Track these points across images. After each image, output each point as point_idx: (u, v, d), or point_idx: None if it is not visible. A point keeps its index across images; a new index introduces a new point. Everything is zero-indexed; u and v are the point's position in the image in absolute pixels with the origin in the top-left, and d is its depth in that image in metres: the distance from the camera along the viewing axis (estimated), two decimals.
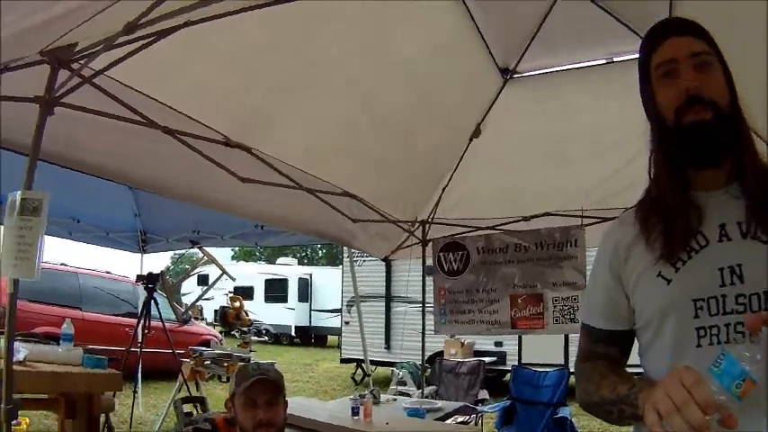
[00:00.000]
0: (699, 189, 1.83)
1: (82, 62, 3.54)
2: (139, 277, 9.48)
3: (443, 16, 4.66)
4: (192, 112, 4.49)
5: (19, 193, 3.44)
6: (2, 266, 3.49)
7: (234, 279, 12.39)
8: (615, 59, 5.25)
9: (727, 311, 1.71)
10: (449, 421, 6.95)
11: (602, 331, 2.02)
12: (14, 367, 3.62)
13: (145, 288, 9.21)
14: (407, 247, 8.16)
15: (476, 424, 8.33)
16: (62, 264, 14.22)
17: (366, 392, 6.80)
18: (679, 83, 1.79)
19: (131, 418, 9.50)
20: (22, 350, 4.71)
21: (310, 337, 32.36)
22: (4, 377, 3.42)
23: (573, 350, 14.08)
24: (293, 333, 31.47)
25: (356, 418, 5.77)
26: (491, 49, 5.32)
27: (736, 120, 1.82)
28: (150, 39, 3.44)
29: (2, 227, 3.74)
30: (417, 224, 7.70)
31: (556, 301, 6.95)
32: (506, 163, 6.57)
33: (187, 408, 6.54)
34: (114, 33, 3.22)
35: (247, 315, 9.15)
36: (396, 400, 7.59)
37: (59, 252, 26.03)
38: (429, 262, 7.98)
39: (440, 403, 7.52)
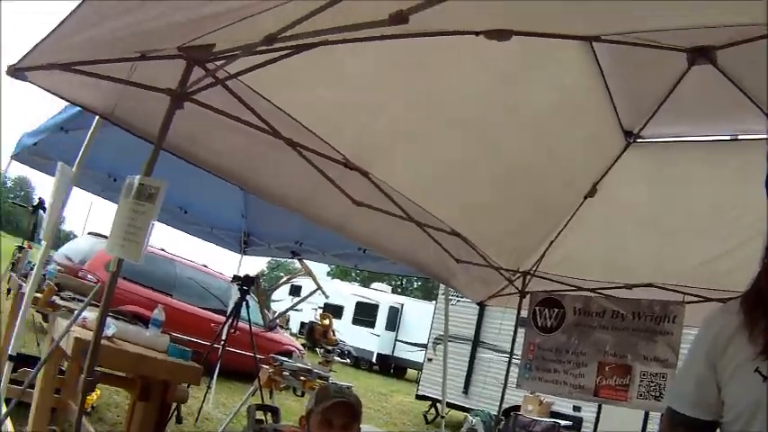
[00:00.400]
0: None
1: (217, 63, 3.63)
2: (236, 278, 9.60)
3: (574, 69, 4.62)
4: (317, 129, 4.57)
5: (138, 177, 3.54)
6: (109, 244, 3.58)
7: (328, 296, 12.49)
8: (740, 137, 5.17)
9: None
10: None
11: (686, 417, 1.96)
12: (102, 342, 3.70)
13: (239, 289, 9.32)
14: (504, 295, 8.09)
15: None
16: (162, 249, 14.49)
17: None
18: None
19: (199, 412, 9.63)
20: (112, 326, 4.80)
21: (390, 366, 32.31)
22: (90, 349, 3.50)
23: (651, 429, 13.84)
24: (374, 360, 31.44)
25: None
26: (618, 110, 5.27)
27: None
28: (287, 51, 3.51)
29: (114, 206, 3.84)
30: (519, 274, 7.61)
31: (644, 375, 6.78)
32: (617, 227, 6.49)
33: (258, 415, 6.60)
34: (255, 42, 3.30)
35: (334, 334, 9.16)
36: None
37: (161, 237, 26.61)
38: (523, 314, 7.88)
39: None
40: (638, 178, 5.97)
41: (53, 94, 4.17)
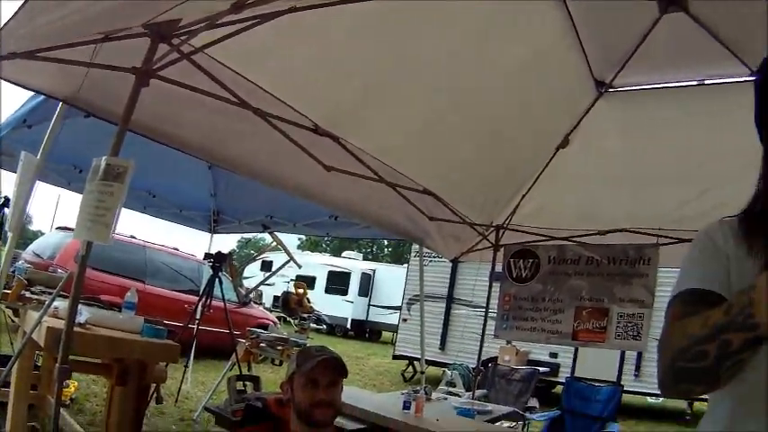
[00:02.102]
0: None
1: (183, 38, 3.60)
2: (207, 255, 9.59)
3: (545, 23, 4.63)
4: (286, 98, 4.55)
5: (105, 158, 3.52)
6: (77, 228, 3.56)
7: (300, 266, 12.48)
8: (707, 82, 5.19)
9: None
10: (497, 425, 6.93)
11: (698, 290, 1.77)
12: (74, 329, 3.68)
13: (211, 266, 9.30)
14: (478, 250, 8.16)
15: (522, 430, 8.32)
16: (131, 236, 14.41)
17: (420, 388, 6.80)
18: None
19: (178, 392, 9.62)
20: (84, 313, 4.77)
21: (365, 331, 32.51)
22: (63, 337, 3.49)
23: (626, 368, 14.07)
24: (349, 326, 31.63)
25: (407, 412, 5.76)
26: (589, 61, 5.29)
27: None
28: (254, 21, 3.49)
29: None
30: (492, 228, 7.68)
31: (621, 316, 6.88)
32: (589, 176, 6.54)
33: (240, 387, 6.62)
34: (222, 11, 3.28)
35: (309, 302, 9.18)
36: (447, 399, 7.59)
37: (130, 225, 26.50)
38: (498, 268, 7.97)
39: (490, 406, 7.51)
40: (610, 128, 6.02)
41: (16, 84, 4.15)
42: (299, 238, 55.98)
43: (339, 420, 3.67)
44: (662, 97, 5.55)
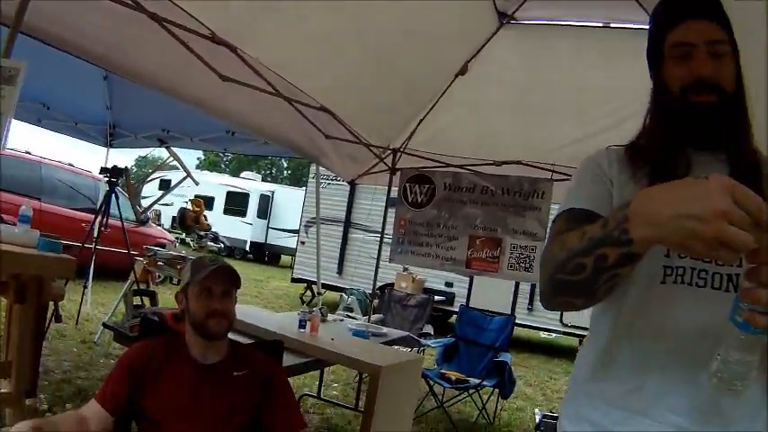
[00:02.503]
0: (688, 148, 1.87)
1: None
2: (103, 170, 9.38)
3: None
4: (182, 2, 4.44)
5: None
6: None
7: (197, 183, 12.34)
8: (612, 25, 5.29)
9: (695, 257, 1.72)
10: (392, 347, 7.02)
11: (581, 210, 1.86)
12: None
13: (107, 182, 9.13)
14: (375, 173, 8.20)
15: (421, 355, 8.44)
16: (27, 152, 14.06)
17: (315, 309, 6.84)
18: (692, 66, 1.83)
19: (78, 314, 9.52)
20: None
21: (264, 254, 32.47)
22: None
23: (520, 302, 14.36)
24: (248, 248, 31.54)
25: (302, 330, 5.80)
26: None
27: (739, 105, 1.87)
28: None
29: None
30: (389, 151, 7.75)
31: (513, 248, 7.01)
32: (487, 106, 6.60)
33: (136, 301, 6.56)
34: None
35: (206, 220, 9.13)
36: (342, 321, 7.65)
37: (24, 139, 25.83)
38: (394, 193, 8.00)
39: (385, 329, 7.60)
40: (509, 59, 6.06)
41: None
42: (198, 158, 55.69)
43: (234, 336, 3.65)
44: (565, 34, 5.64)
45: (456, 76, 6.33)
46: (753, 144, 1.88)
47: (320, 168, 9.01)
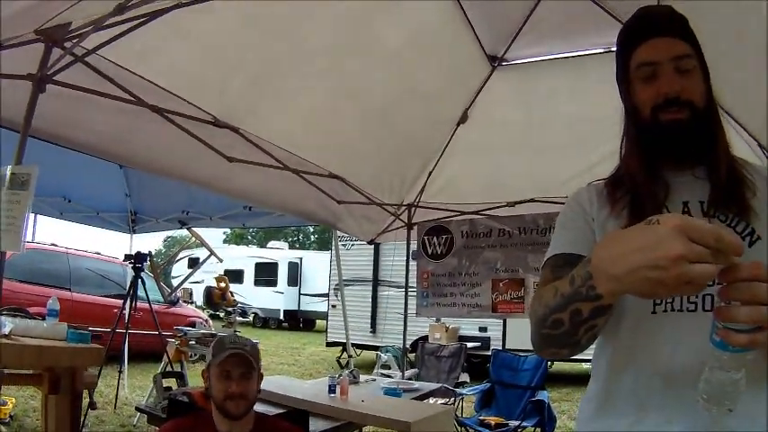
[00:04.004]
0: (666, 170, 1.88)
1: (74, 41, 3.62)
2: (127, 257, 9.53)
3: (430, 3, 4.73)
4: (181, 93, 4.59)
5: (8, 167, 3.53)
6: None
7: (221, 260, 12.47)
8: (600, 50, 5.31)
9: None
10: (426, 401, 7.03)
11: (569, 255, 1.85)
12: (0, 341, 3.69)
13: (132, 267, 9.28)
14: (393, 230, 8.27)
15: (456, 405, 8.43)
16: (52, 244, 14.23)
17: (344, 372, 6.88)
18: (659, 86, 1.83)
19: (116, 399, 9.59)
20: (7, 324, 4.75)
21: (299, 321, 32.34)
22: None
23: None
24: (282, 317, 31.44)
25: (333, 395, 5.83)
26: (479, 37, 5.40)
27: (712, 117, 1.87)
28: (141, 20, 3.53)
29: None
30: (403, 208, 7.82)
31: (537, 285, 7.01)
32: (492, 149, 6.66)
33: (168, 382, 6.63)
34: (105, 14, 3.32)
35: (233, 295, 9.21)
36: (375, 380, 7.65)
37: (50, 233, 26.10)
38: (414, 246, 8.08)
39: (417, 384, 7.58)
40: (506, 100, 6.14)
41: None
42: (224, 232, 55.65)
43: (262, 408, 3.72)
44: (555, 67, 5.68)
45: (458, 124, 6.43)
46: (730, 154, 1.88)
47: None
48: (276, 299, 30.90)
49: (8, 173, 3.55)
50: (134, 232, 11.13)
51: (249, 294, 29.01)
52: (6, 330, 4.67)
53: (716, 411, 1.40)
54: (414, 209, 7.78)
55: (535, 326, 1.72)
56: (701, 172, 1.86)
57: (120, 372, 9.87)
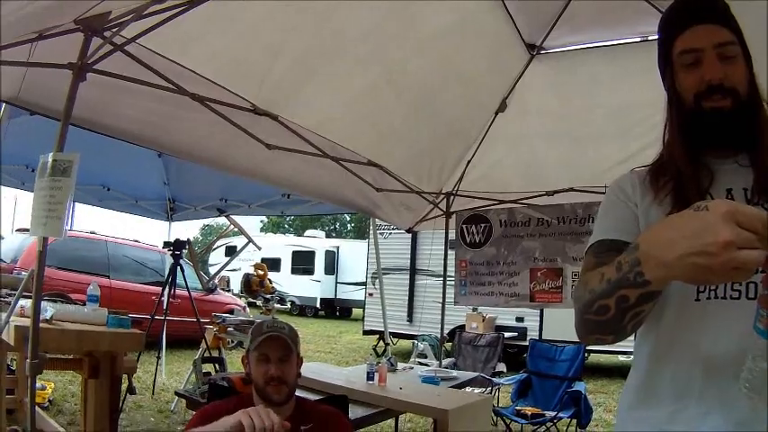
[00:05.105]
0: (709, 157, 1.87)
1: (114, 30, 3.64)
2: (166, 244, 9.59)
3: None
4: (221, 80, 4.60)
5: (50, 154, 3.57)
6: (32, 226, 3.61)
7: (260, 248, 12.50)
8: (638, 39, 5.25)
9: None
10: (464, 390, 7.03)
11: (613, 241, 1.86)
12: (41, 325, 3.72)
13: (171, 255, 9.35)
14: (431, 218, 8.28)
15: (493, 395, 8.42)
16: (92, 232, 14.38)
17: (383, 360, 6.90)
18: (702, 73, 1.82)
19: (154, 384, 9.73)
20: (49, 309, 4.80)
21: (335, 309, 32.61)
22: (30, 334, 3.54)
23: None
24: (318, 305, 31.69)
25: (371, 382, 5.87)
26: (517, 25, 5.36)
27: (755, 105, 1.85)
28: (181, 8, 3.54)
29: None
30: (442, 196, 7.81)
31: (575, 275, 7.00)
32: (531, 138, 6.64)
33: (207, 368, 6.67)
34: (144, 3, 3.33)
35: (271, 283, 9.23)
36: (412, 368, 7.67)
37: (89, 221, 26.28)
38: (452, 235, 8.07)
39: (455, 372, 7.61)
40: (545, 89, 6.10)
41: None
42: (261, 221, 56.01)
43: (301, 394, 3.73)
44: (595, 56, 5.61)
45: (496, 113, 6.40)
46: None
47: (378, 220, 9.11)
48: (313, 287, 31.08)
49: (50, 160, 3.57)
50: (172, 220, 11.22)
51: (286, 283, 29.11)
52: (48, 315, 4.72)
53: (758, 401, 1.40)
54: (452, 197, 7.76)
55: (580, 312, 1.71)
56: (744, 159, 1.84)
57: (159, 358, 9.97)
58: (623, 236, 1.84)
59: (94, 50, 3.67)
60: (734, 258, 1.19)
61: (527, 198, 7.44)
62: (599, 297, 1.60)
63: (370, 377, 5.92)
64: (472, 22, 5.05)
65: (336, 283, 31.60)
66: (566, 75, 5.92)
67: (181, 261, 9.34)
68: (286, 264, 31.54)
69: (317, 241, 33.95)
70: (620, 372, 15.38)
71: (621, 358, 16.27)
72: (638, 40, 5.23)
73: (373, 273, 18.40)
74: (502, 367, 10.12)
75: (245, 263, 14.89)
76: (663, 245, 1.34)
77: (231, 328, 8.36)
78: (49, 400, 8.12)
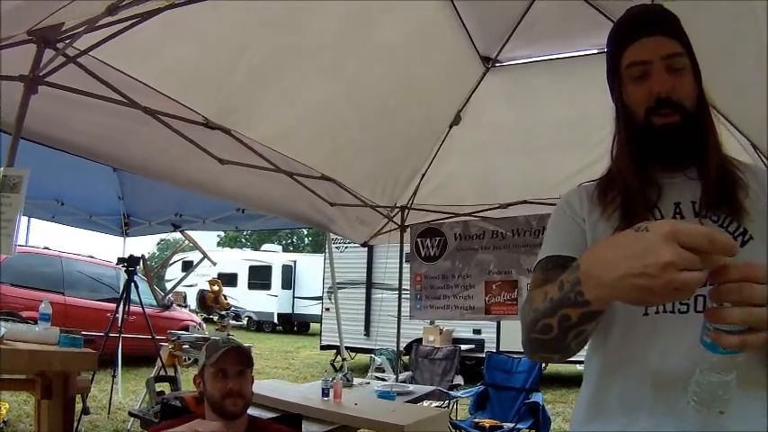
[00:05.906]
0: (658, 171, 1.88)
1: (67, 42, 3.61)
2: (120, 260, 9.54)
3: (425, 4, 4.73)
4: (174, 94, 4.56)
5: (0, 170, 3.52)
6: None
7: (215, 263, 12.47)
8: (594, 51, 5.29)
9: None
10: (420, 404, 7.03)
11: (559, 257, 1.87)
12: None
13: (125, 271, 9.28)
14: (386, 232, 8.26)
15: (450, 408, 8.42)
16: (45, 248, 14.23)
17: (337, 376, 6.88)
18: (650, 85, 1.82)
19: (110, 404, 9.60)
20: (1, 329, 4.76)
21: (293, 324, 32.37)
22: None
23: None
24: (276, 320, 31.46)
25: (326, 399, 5.83)
26: (473, 38, 5.41)
27: (703, 118, 1.86)
28: (133, 21, 3.52)
29: None
30: (396, 209, 7.82)
31: (530, 287, 7.02)
32: (485, 151, 6.66)
33: (160, 387, 6.62)
34: (98, 14, 3.31)
35: (226, 299, 9.21)
36: (369, 383, 7.66)
37: (43, 236, 26.11)
38: (407, 248, 8.08)
39: (411, 387, 7.61)
40: (499, 101, 6.14)
41: None
42: (218, 235, 55.81)
43: (256, 412, 3.72)
44: (548, 68, 5.67)
45: (450, 126, 6.43)
46: (722, 154, 1.87)
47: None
48: (270, 302, 30.93)
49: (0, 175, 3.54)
50: (127, 235, 11.11)
51: (243, 298, 29.05)
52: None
53: (706, 414, 1.41)
54: (407, 211, 7.78)
55: (525, 330, 1.72)
56: (693, 173, 1.86)
57: (114, 376, 9.87)
58: (571, 251, 1.85)
59: (47, 62, 3.63)
60: (674, 279, 1.20)
61: (481, 211, 7.46)
62: (542, 316, 1.61)
63: (325, 393, 5.89)
64: (427, 35, 5.08)
65: (294, 297, 31.48)
66: (520, 87, 5.97)
67: (135, 277, 9.27)
68: (243, 279, 31.42)
69: (273, 255, 33.78)
70: (578, 381, 15.20)
71: (580, 368, 16.17)
72: (595, 51, 5.26)
73: (329, 287, 18.39)
74: (459, 380, 10.17)
75: (202, 278, 14.84)
76: (603, 265, 1.35)
77: (186, 346, 8.33)
78: (4, 421, 8.01)
